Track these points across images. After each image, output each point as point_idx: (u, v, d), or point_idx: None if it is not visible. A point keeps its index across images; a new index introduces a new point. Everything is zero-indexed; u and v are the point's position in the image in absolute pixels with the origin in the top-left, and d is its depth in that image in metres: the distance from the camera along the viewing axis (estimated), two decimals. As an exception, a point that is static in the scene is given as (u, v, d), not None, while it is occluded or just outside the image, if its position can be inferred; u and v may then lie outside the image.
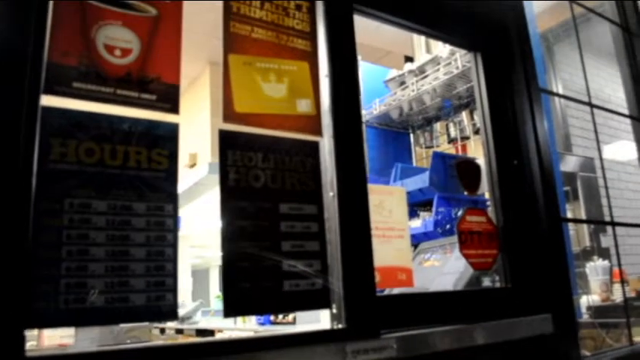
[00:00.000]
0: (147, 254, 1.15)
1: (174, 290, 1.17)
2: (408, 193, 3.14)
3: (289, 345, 1.29)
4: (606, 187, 2.62)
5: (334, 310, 1.44)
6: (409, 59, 4.01)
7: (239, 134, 1.35)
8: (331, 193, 1.49)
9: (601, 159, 2.74)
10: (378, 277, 1.63)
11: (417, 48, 3.80)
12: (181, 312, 4.55)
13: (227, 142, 1.32)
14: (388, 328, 1.51)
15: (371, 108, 3.80)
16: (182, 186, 5.13)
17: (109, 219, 1.13)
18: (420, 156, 3.94)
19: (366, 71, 3.99)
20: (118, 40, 1.22)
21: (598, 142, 2.66)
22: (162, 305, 1.15)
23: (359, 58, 3.91)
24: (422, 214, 3.24)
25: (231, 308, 1.26)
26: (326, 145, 1.52)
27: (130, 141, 1.18)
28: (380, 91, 3.87)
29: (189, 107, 6.90)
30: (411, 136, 4.02)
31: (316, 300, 1.39)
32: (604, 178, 2.76)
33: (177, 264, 1.19)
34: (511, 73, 2.14)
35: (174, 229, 1.20)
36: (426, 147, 3.84)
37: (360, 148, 1.56)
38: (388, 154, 3.84)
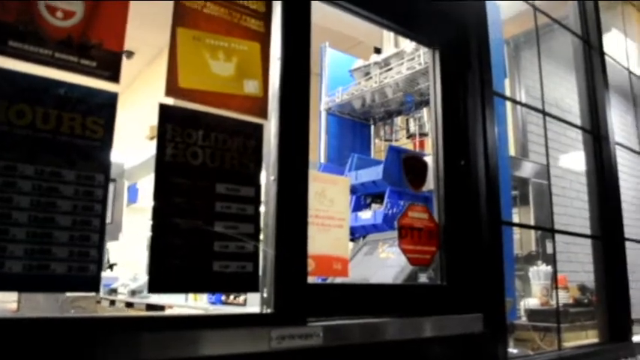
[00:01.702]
0: (72, 223, 1.13)
1: (98, 262, 1.16)
2: (362, 184, 3.16)
3: (214, 326, 1.29)
4: (550, 195, 2.68)
5: (265, 295, 1.44)
6: (378, 51, 4.01)
7: (180, 109, 1.32)
8: (272, 177, 1.48)
9: (548, 166, 2.80)
10: (312, 265, 1.64)
11: (385, 41, 3.80)
12: (133, 285, 4.51)
13: (166, 117, 1.30)
14: (318, 316, 1.51)
15: (334, 96, 3.79)
16: (141, 157, 5.06)
17: (36, 184, 1.10)
18: (379, 148, 3.95)
19: (334, 59, 3.98)
20: (60, 2, 1.18)
21: (547, 149, 2.71)
22: (83, 276, 1.13)
23: (327, 44, 3.93)
24: (373, 205, 3.27)
25: (157, 284, 1.25)
26: (272, 128, 1.51)
27: (64, 106, 1.15)
28: (345, 80, 3.86)
29: (155, 78, 6.75)
30: (372, 127, 4.04)
31: (246, 283, 1.39)
32: (549, 185, 2.82)
33: (104, 236, 1.18)
34: (466, 73, 2.15)
35: (104, 199, 1.18)
36: (386, 140, 3.86)
37: (305, 134, 1.55)
38: (348, 143, 3.85)
